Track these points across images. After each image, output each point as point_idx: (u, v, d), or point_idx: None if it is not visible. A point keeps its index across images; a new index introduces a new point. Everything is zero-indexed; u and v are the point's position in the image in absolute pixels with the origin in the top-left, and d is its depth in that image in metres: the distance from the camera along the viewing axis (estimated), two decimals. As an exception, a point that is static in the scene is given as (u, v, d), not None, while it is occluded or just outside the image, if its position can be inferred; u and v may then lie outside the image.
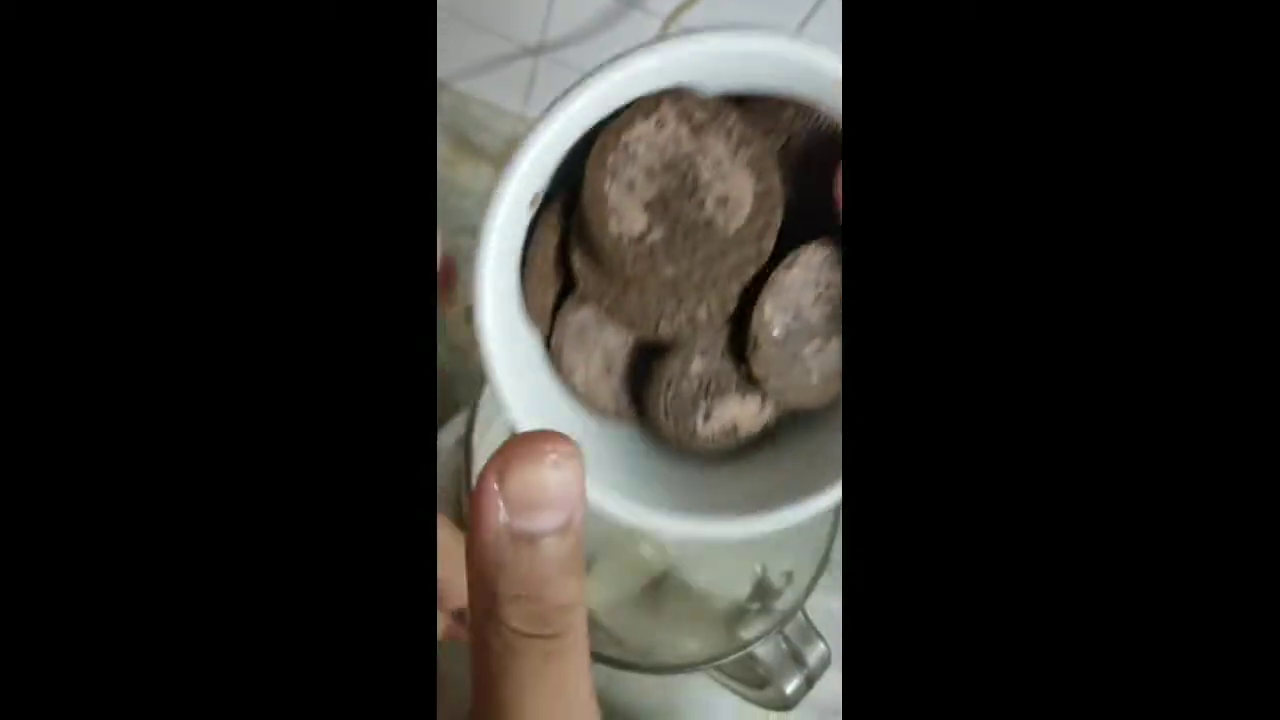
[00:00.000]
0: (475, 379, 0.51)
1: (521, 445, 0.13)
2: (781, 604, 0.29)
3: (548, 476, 0.12)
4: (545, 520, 0.12)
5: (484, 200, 0.58)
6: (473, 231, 0.57)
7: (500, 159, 0.55)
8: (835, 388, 0.22)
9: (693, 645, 0.29)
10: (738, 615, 0.30)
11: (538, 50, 0.51)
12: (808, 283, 0.21)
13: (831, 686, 0.30)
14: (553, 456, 0.12)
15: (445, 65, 0.55)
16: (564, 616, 0.13)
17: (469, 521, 0.13)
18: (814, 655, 0.29)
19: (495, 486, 0.12)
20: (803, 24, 0.46)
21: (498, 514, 0.12)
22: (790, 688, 0.29)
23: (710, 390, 0.21)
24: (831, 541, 0.28)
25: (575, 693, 0.13)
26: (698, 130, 0.20)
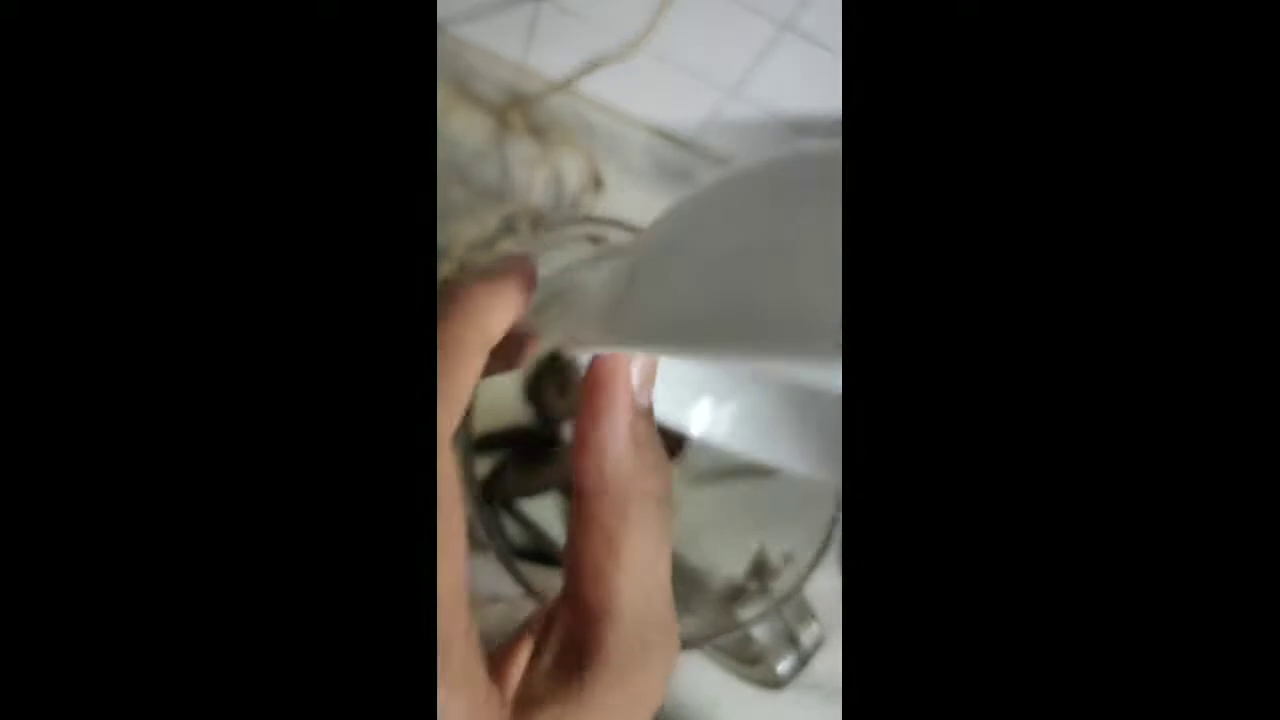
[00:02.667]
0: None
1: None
2: (780, 584, 0.28)
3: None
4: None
5: (479, 152, 0.56)
6: (465, 182, 0.55)
7: (498, 109, 0.53)
8: None
9: (690, 622, 0.29)
10: (735, 594, 0.29)
11: (540, -6, 0.49)
12: None
13: (820, 664, 0.30)
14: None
15: (444, 7, 0.52)
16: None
17: (588, 423, 0.16)
18: (808, 636, 0.29)
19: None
20: (793, 13, 0.44)
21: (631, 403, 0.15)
22: (783, 667, 0.29)
23: None
24: (833, 525, 0.28)
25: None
26: None
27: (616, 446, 0.15)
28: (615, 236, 0.28)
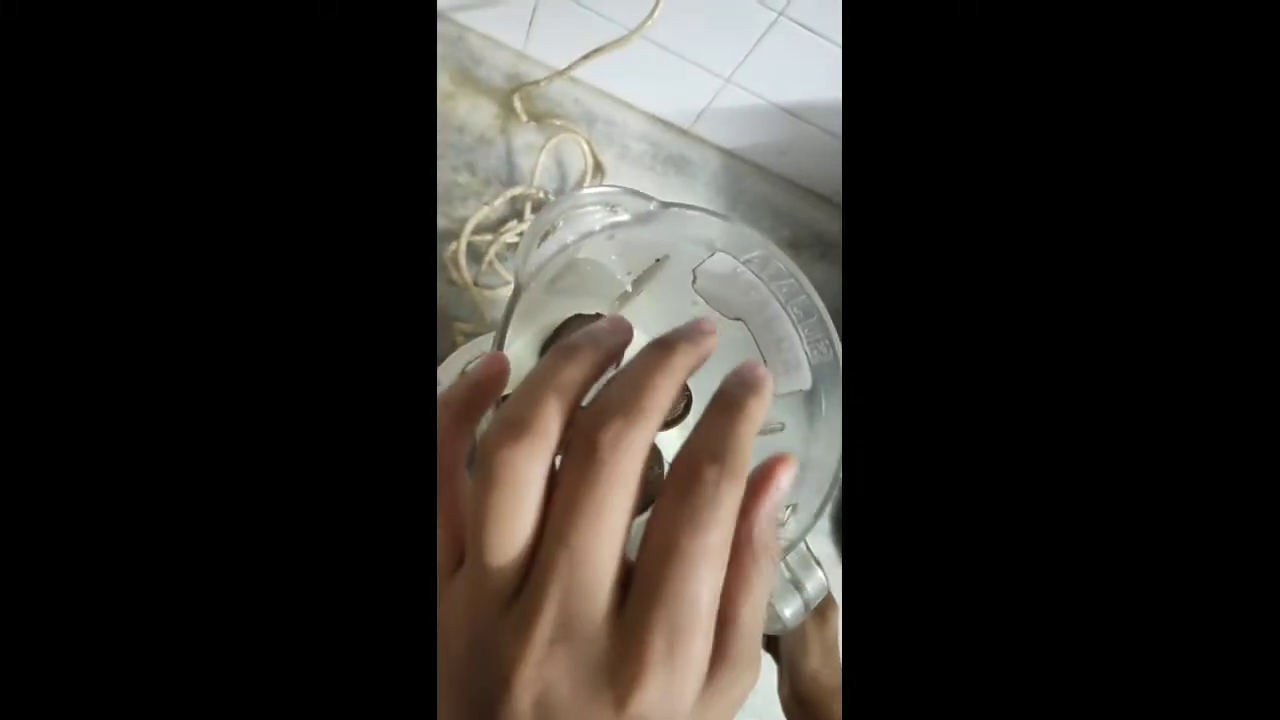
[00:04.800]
0: (470, 315, 0.51)
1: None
2: (785, 533, 0.30)
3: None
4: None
5: (483, 137, 0.57)
6: (471, 168, 0.56)
7: (501, 95, 0.55)
8: None
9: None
10: (743, 544, 0.31)
11: (543, -16, 0.51)
12: None
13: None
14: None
15: (447, -6, 0.53)
16: None
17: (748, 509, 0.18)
18: (812, 583, 0.30)
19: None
20: (788, 1, 0.46)
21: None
22: (789, 612, 0.30)
23: None
24: (836, 481, 0.30)
25: None
26: None
27: (765, 528, 0.19)
28: (629, 203, 0.29)
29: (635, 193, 0.28)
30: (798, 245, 0.60)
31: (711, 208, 0.60)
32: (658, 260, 0.33)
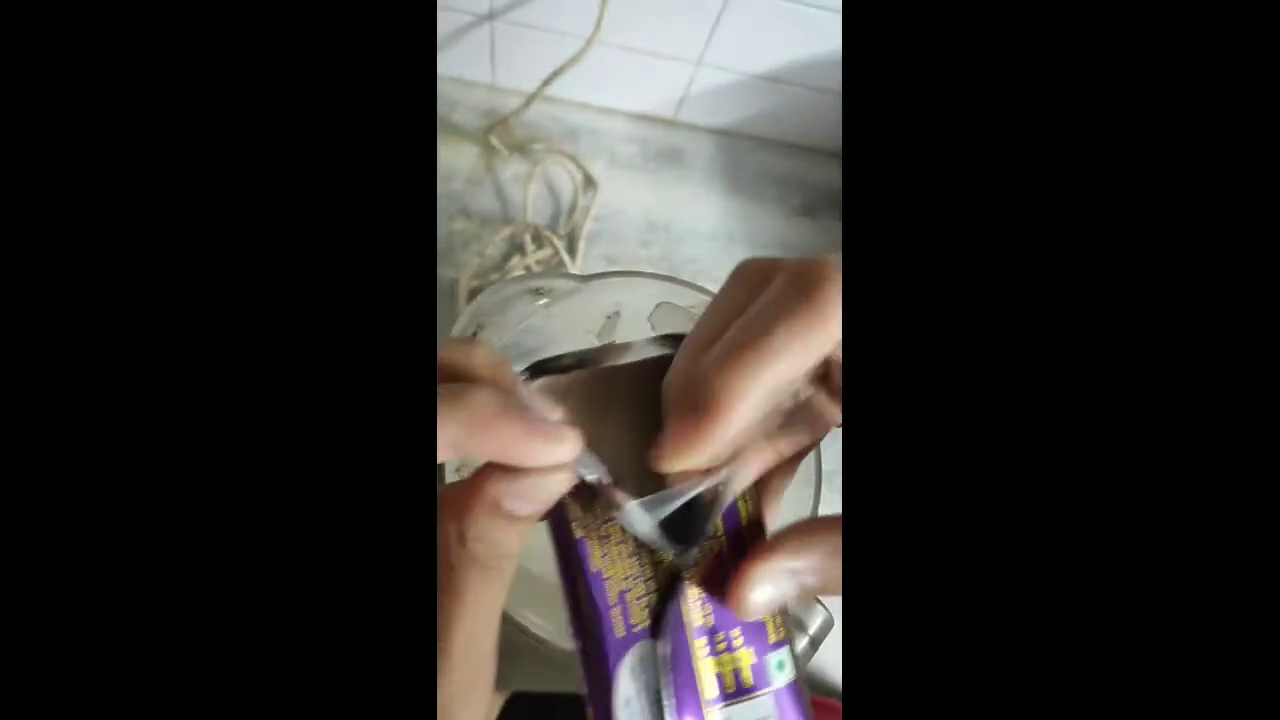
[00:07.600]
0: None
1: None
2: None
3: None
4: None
5: (471, 178, 0.57)
6: (465, 213, 0.57)
7: (479, 133, 0.55)
8: None
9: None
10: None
11: (490, 15, 0.50)
12: None
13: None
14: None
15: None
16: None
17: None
18: (816, 621, 0.30)
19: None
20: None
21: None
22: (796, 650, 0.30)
23: None
24: (819, 478, 0.29)
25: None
26: None
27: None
28: (551, 284, 0.29)
29: (555, 273, 0.28)
30: (813, 211, 0.57)
31: (707, 198, 0.58)
32: (609, 317, 0.33)
